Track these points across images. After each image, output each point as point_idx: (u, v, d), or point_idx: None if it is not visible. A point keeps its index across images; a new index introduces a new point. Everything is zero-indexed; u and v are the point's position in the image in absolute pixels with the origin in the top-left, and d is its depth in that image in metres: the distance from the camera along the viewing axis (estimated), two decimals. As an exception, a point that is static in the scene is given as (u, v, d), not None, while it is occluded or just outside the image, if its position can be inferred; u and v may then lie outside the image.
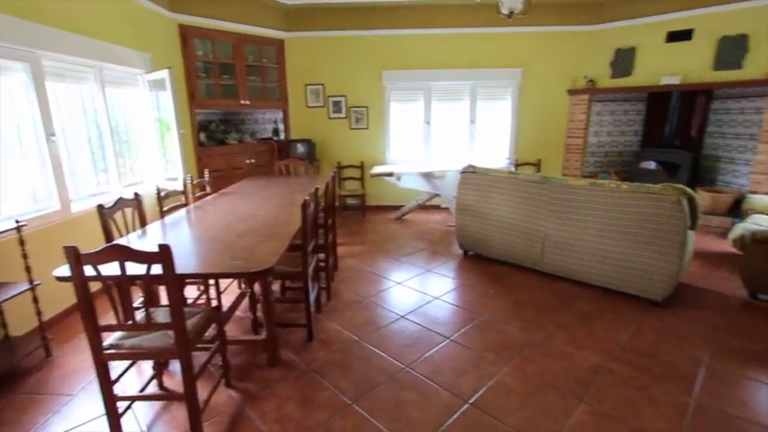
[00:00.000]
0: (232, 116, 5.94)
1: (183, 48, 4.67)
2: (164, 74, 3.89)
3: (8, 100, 2.63)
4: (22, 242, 2.33)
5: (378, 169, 5.24)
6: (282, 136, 5.93)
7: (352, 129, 6.00)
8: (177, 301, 1.61)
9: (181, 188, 3.21)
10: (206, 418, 1.94)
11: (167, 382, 2.23)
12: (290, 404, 2.04)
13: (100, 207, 2.22)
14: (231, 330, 2.76)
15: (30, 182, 2.79)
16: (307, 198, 2.40)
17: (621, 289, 3.14)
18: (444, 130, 6.04)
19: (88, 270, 1.55)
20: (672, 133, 5.40)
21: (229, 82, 5.13)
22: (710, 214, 4.71)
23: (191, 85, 4.78)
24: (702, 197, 4.72)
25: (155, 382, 2.18)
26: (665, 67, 5.05)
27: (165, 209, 2.88)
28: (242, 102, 5.22)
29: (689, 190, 2.86)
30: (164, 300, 2.01)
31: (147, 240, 2.24)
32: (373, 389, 2.15)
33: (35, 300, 2.42)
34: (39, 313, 2.44)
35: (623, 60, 5.38)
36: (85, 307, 1.59)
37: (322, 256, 3.19)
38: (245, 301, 2.98)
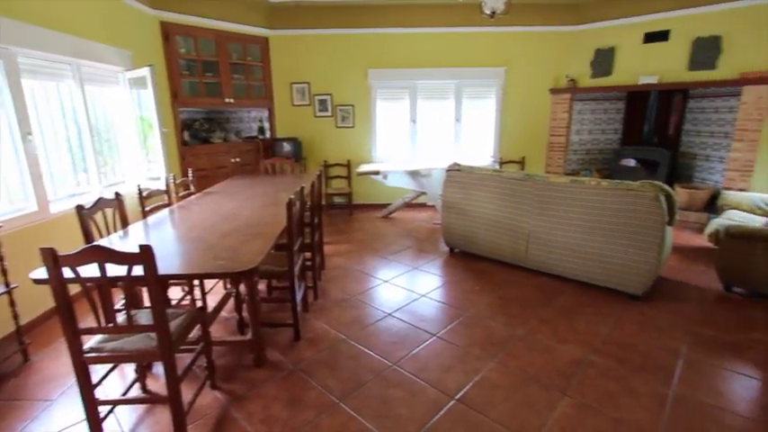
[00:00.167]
0: (216, 114, 5.87)
1: (165, 45, 4.59)
2: (145, 71, 3.82)
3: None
4: (-3, 244, 2.26)
5: (364, 168, 5.24)
6: (268, 134, 5.87)
7: (338, 127, 5.99)
8: (159, 302, 1.59)
9: (164, 188, 3.16)
10: (191, 420, 1.92)
11: (151, 385, 2.19)
12: (276, 404, 2.03)
13: (79, 207, 2.18)
14: (217, 331, 2.73)
15: (5, 182, 2.71)
16: (292, 197, 2.39)
17: (602, 283, 3.22)
18: (430, 128, 6.07)
19: (67, 272, 1.52)
20: (650, 131, 5.54)
21: (213, 80, 5.06)
22: (687, 210, 4.85)
23: (173, 83, 4.70)
24: (680, 194, 4.85)
25: (138, 385, 2.15)
26: (644, 66, 5.17)
27: (147, 209, 2.83)
28: (226, 100, 5.16)
29: (666, 187, 2.94)
30: (147, 301, 1.98)
31: (128, 241, 2.20)
32: (360, 387, 2.15)
33: (12, 303, 2.35)
34: (16, 317, 2.38)
35: (603, 60, 5.49)
36: (64, 310, 1.56)
37: (309, 255, 3.19)
38: (231, 302, 2.95)
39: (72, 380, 2.18)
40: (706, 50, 4.70)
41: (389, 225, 5.29)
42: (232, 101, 5.22)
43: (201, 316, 2.04)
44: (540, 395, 2.08)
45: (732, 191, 4.45)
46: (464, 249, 4.07)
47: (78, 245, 1.69)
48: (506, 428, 1.86)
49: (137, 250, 1.50)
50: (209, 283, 3.22)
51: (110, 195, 2.49)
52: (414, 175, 5.18)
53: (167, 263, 1.85)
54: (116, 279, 1.64)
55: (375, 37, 5.65)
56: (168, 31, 4.58)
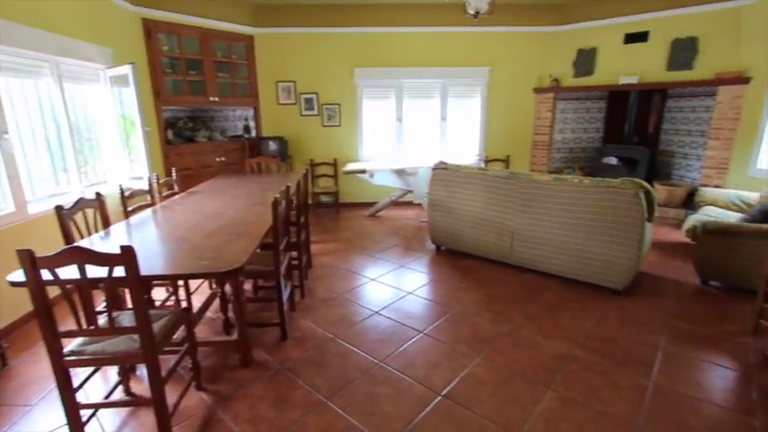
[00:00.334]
0: (201, 113, 5.78)
1: (148, 42, 4.51)
2: (126, 69, 3.74)
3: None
4: (-28, 246, 2.20)
5: (351, 166, 5.24)
6: (253, 133, 5.82)
7: (324, 126, 5.97)
8: (142, 303, 1.57)
9: (147, 187, 3.10)
10: (176, 422, 1.90)
11: (135, 387, 2.16)
12: (263, 404, 2.02)
13: (58, 208, 2.13)
14: (202, 332, 2.70)
15: (-21, 183, 2.64)
16: (278, 196, 2.38)
17: (585, 279, 3.28)
18: (416, 127, 6.10)
19: (45, 274, 1.49)
20: (631, 130, 5.67)
21: (197, 78, 4.99)
22: (666, 207, 4.97)
23: (156, 82, 4.62)
24: (659, 190, 4.98)
25: (121, 387, 2.11)
26: (624, 67, 5.28)
27: (129, 209, 2.78)
28: (211, 98, 5.09)
29: (646, 184, 3.01)
30: (130, 303, 1.95)
31: (110, 242, 2.17)
32: (347, 385, 2.16)
33: (-12, 307, 2.29)
34: (-8, 321, 2.31)
35: (585, 60, 5.59)
36: (42, 313, 1.53)
37: (295, 254, 3.17)
38: (217, 302, 2.93)
39: (52, 384, 2.14)
40: (683, 51, 4.82)
41: (376, 223, 5.30)
42: (217, 99, 5.16)
43: (186, 317, 2.01)
44: (525, 390, 2.12)
45: (709, 188, 4.58)
46: (450, 247, 4.11)
47: (58, 246, 1.65)
48: (492, 423, 1.89)
49: (118, 251, 1.48)
50: (194, 283, 3.18)
51: (91, 195, 2.44)
52: (400, 173, 5.19)
53: (150, 263, 1.82)
54: (97, 281, 1.61)
55: (361, 36, 5.65)
56: (150, 29, 4.50)
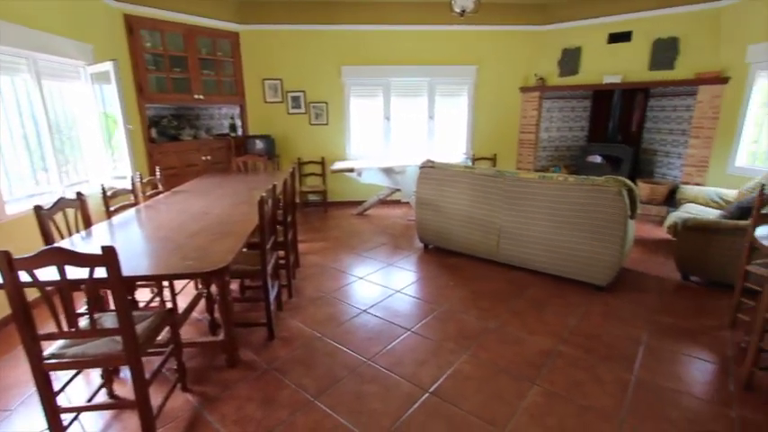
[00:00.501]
0: (186, 111, 5.70)
1: (130, 39, 4.42)
2: (108, 66, 3.67)
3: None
4: (-54, 248, 2.13)
5: (339, 165, 5.22)
6: (240, 132, 5.76)
7: (312, 124, 5.94)
8: (124, 304, 1.55)
9: (130, 187, 3.05)
10: (161, 424, 1.88)
11: (119, 390, 2.13)
12: (250, 405, 2.01)
13: (37, 208, 2.08)
14: (188, 333, 2.67)
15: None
16: (264, 194, 2.37)
17: (570, 276, 3.33)
18: (404, 125, 6.10)
19: (24, 276, 1.45)
20: (615, 129, 5.77)
21: (181, 75, 4.91)
22: (649, 204, 5.08)
23: (139, 79, 4.53)
24: (641, 188, 5.08)
25: (104, 390, 2.08)
26: (608, 66, 5.36)
27: (112, 209, 2.73)
28: (195, 96, 5.02)
29: (628, 182, 3.07)
30: (113, 304, 1.92)
31: (91, 242, 2.12)
32: (335, 384, 2.16)
33: (-36, 310, 2.23)
34: (-31, 325, 2.25)
35: (570, 60, 5.66)
36: (20, 315, 1.49)
37: (282, 253, 3.15)
38: (203, 303, 2.89)
39: (32, 388, 2.09)
40: (665, 51, 4.92)
41: (364, 222, 5.30)
42: (202, 97, 5.09)
43: (171, 317, 1.99)
44: (510, 385, 2.14)
45: (689, 185, 4.69)
46: (438, 245, 4.13)
47: (38, 247, 1.61)
48: (478, 419, 1.91)
49: (99, 251, 1.45)
50: (179, 284, 3.14)
51: (72, 195, 2.39)
52: (388, 172, 5.20)
53: (133, 264, 1.79)
54: (77, 282, 1.58)
55: (348, 34, 5.62)
56: (133, 25, 4.41)
